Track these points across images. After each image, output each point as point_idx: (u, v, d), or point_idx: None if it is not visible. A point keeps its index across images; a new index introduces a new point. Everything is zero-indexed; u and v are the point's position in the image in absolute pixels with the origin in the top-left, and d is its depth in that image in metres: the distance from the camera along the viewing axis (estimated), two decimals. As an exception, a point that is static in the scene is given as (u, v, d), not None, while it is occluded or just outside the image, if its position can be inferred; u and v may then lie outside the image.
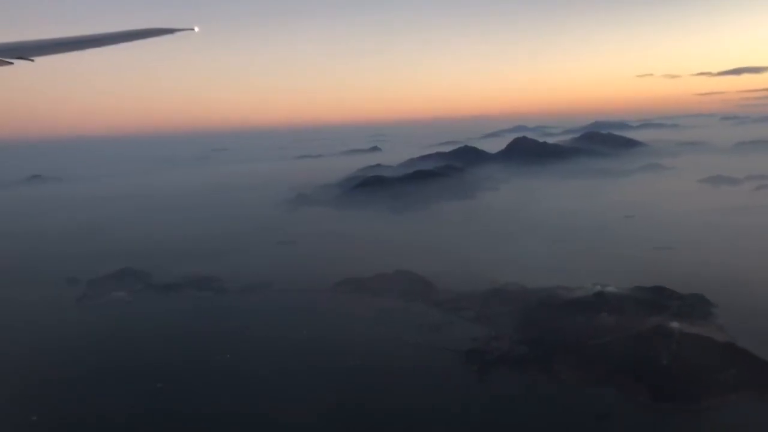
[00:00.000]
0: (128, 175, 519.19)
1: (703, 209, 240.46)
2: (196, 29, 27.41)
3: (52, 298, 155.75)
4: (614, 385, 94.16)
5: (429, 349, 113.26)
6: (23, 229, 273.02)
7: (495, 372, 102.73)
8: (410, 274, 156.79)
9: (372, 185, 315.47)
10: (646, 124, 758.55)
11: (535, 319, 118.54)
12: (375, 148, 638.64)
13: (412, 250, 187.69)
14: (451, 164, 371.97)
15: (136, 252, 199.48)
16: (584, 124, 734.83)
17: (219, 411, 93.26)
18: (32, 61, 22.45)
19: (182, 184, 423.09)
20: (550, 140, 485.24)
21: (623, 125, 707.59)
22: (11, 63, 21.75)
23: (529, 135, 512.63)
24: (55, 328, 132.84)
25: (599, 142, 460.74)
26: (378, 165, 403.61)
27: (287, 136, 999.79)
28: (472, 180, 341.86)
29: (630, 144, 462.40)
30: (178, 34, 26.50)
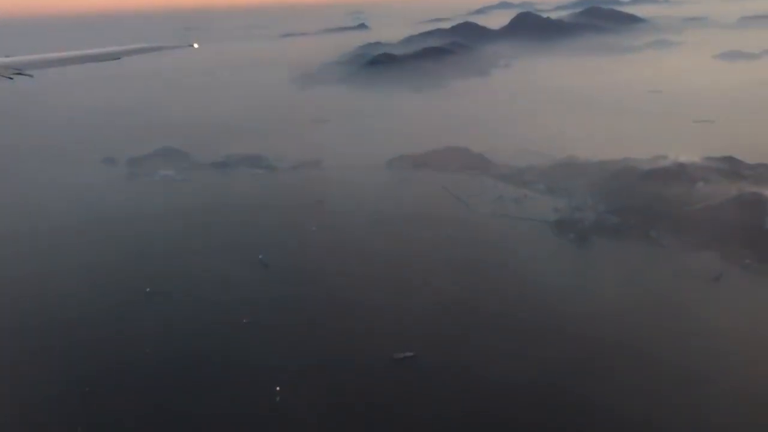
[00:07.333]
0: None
1: (727, 84, 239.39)
2: (195, 45, 31.23)
3: (100, 178, 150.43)
4: (718, 249, 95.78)
5: (516, 220, 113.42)
6: (21, 111, 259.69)
7: (594, 241, 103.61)
8: (463, 150, 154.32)
9: (383, 63, 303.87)
10: (637, 0, 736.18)
11: (617, 190, 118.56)
12: (362, 26, 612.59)
13: (453, 127, 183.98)
14: (456, 41, 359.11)
15: (162, 131, 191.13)
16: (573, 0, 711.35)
17: (326, 273, 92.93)
18: (31, 76, 23.43)
19: (174, 64, 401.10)
20: (544, 16, 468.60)
21: (614, 1, 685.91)
22: (11, 79, 22.64)
23: (518, 11, 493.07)
24: (126, 205, 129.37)
25: (601, 17, 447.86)
26: (378, 43, 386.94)
27: (259, 15, 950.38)
28: (482, 57, 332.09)
29: (632, 20, 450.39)
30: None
